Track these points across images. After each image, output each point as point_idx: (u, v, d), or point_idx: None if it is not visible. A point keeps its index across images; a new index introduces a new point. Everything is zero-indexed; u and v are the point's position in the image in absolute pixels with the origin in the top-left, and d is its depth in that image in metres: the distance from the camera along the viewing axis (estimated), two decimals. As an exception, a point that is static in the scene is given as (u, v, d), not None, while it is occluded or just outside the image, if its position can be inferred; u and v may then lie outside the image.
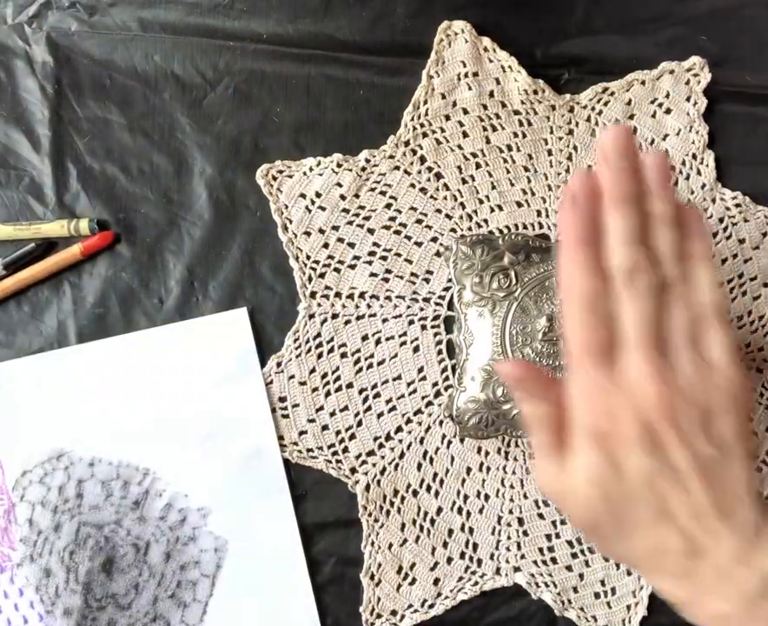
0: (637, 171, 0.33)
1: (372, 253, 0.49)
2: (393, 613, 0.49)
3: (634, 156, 0.33)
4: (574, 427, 0.33)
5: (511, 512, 0.49)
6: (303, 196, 0.49)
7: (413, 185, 0.49)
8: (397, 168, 0.49)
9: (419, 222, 0.49)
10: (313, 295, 0.49)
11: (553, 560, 0.49)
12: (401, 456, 0.49)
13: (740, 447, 0.32)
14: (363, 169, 0.49)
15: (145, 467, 0.49)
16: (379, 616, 0.49)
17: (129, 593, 0.49)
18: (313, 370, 0.49)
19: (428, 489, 0.49)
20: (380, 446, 0.49)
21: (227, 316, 0.49)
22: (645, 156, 0.33)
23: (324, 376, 0.49)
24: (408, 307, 0.49)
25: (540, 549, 0.49)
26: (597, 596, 0.49)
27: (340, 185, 0.49)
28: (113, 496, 0.49)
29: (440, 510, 0.49)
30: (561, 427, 0.33)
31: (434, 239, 0.49)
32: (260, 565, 0.49)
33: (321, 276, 0.49)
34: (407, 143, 0.50)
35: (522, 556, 0.49)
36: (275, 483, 0.49)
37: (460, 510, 0.49)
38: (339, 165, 0.49)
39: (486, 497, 0.49)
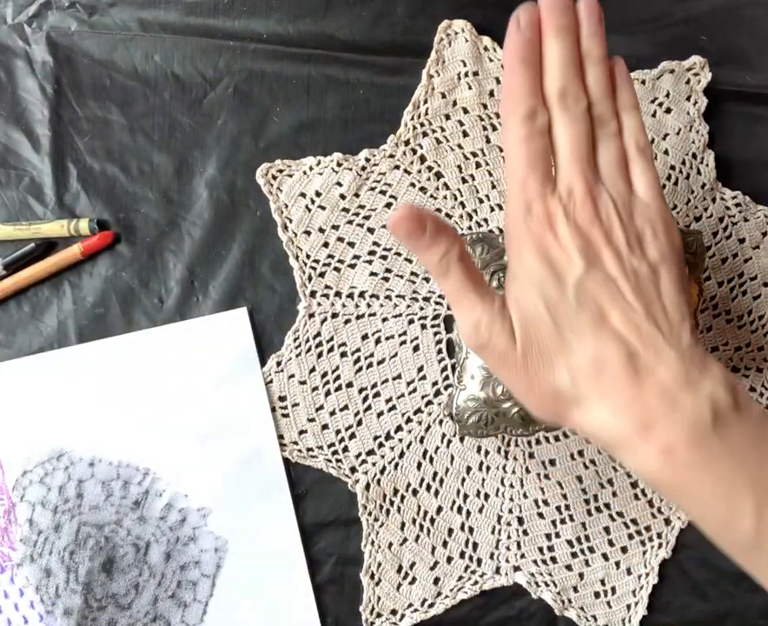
0: (572, 9, 0.35)
1: (372, 252, 0.49)
2: (393, 612, 0.49)
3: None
4: (513, 242, 0.34)
5: (511, 511, 0.49)
6: (303, 195, 0.49)
7: (413, 184, 0.49)
8: (397, 167, 0.49)
9: (419, 221, 0.49)
10: (313, 294, 0.49)
11: (553, 559, 0.49)
12: (401, 455, 0.49)
13: (670, 270, 0.34)
14: (363, 168, 0.49)
15: (145, 467, 0.49)
16: (379, 615, 0.49)
17: (129, 593, 0.49)
18: (313, 369, 0.49)
19: (428, 488, 0.49)
20: (380, 445, 0.49)
21: (227, 315, 0.49)
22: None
23: (324, 375, 0.49)
24: (408, 306, 0.49)
25: (540, 549, 0.49)
26: (597, 595, 0.49)
27: (340, 184, 0.49)
28: (113, 496, 0.49)
29: (440, 509, 0.49)
30: (473, 265, 0.35)
31: (434, 238, 0.49)
32: (260, 565, 0.49)
33: (321, 275, 0.49)
34: (407, 143, 0.50)
35: (522, 556, 0.49)
36: (275, 483, 0.49)
37: (459, 510, 0.49)
38: (339, 164, 0.49)
39: (486, 496, 0.49)
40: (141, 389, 0.49)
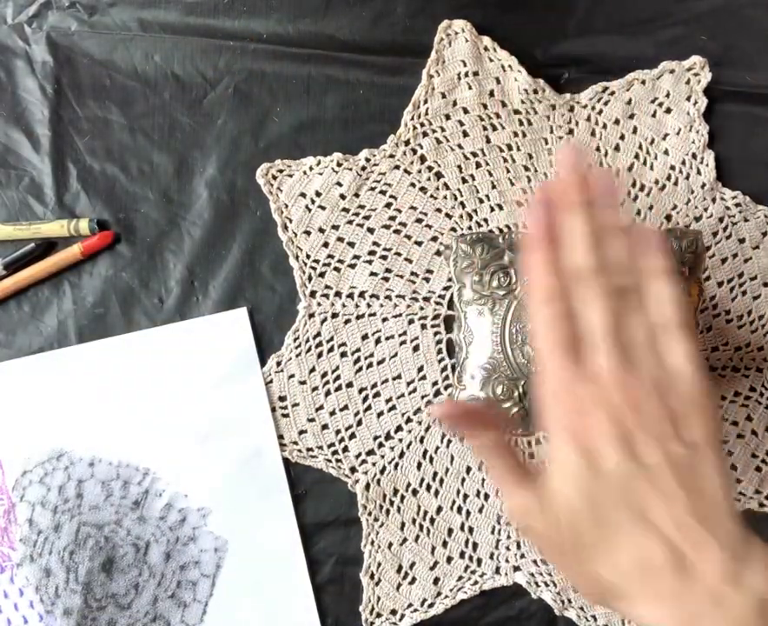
0: (588, 184, 0.34)
1: (372, 252, 0.49)
2: (393, 612, 0.49)
3: (585, 172, 0.35)
4: (548, 429, 0.33)
5: (511, 511, 0.49)
6: (303, 195, 0.49)
7: (413, 184, 0.49)
8: (397, 167, 0.49)
9: (419, 221, 0.49)
10: (313, 294, 0.49)
11: (554, 559, 0.49)
12: (401, 455, 0.49)
13: (710, 452, 0.32)
14: (363, 168, 0.49)
15: (145, 467, 0.49)
16: (379, 615, 0.49)
17: (129, 593, 0.49)
18: (313, 369, 0.49)
19: (428, 488, 0.49)
20: (380, 445, 0.49)
21: (227, 315, 0.49)
22: (594, 173, 0.35)
23: (324, 375, 0.49)
24: (408, 306, 0.49)
25: (540, 549, 0.49)
26: (597, 595, 0.49)
27: (340, 184, 0.49)
28: (113, 496, 0.49)
29: (439, 509, 0.49)
30: (515, 452, 0.35)
31: (434, 238, 0.49)
32: (260, 565, 0.49)
33: (321, 275, 0.49)
34: (407, 143, 0.50)
35: (522, 556, 0.49)
36: (275, 483, 0.49)
37: (459, 510, 0.49)
38: (339, 164, 0.49)
39: (486, 496, 0.49)
40: (141, 389, 0.49)
